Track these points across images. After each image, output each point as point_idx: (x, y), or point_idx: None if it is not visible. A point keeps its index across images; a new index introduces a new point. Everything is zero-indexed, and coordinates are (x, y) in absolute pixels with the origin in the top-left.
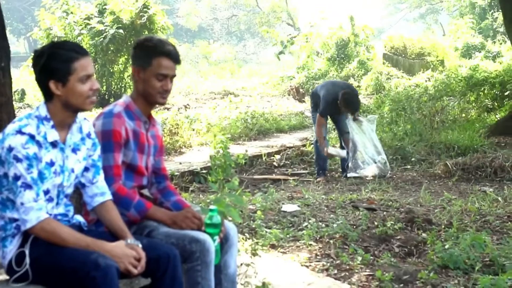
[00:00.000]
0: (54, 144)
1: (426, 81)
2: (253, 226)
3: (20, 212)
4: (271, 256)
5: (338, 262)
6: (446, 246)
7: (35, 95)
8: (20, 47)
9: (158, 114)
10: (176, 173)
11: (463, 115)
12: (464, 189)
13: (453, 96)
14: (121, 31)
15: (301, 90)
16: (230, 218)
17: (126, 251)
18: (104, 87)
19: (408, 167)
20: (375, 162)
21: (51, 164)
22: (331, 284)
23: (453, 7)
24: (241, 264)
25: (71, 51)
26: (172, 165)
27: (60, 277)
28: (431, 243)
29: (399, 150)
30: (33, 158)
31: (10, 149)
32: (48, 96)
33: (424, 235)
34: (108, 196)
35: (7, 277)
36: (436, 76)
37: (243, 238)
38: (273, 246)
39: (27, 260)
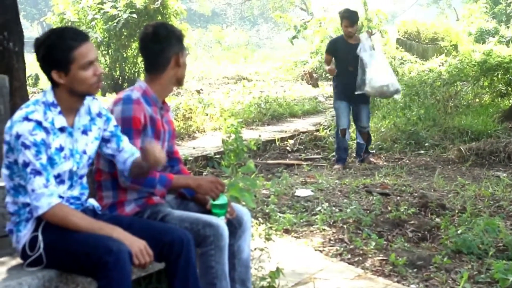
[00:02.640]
0: (62, 129)
1: (439, 66)
2: (267, 211)
3: (32, 199)
4: (285, 241)
5: (351, 247)
6: (460, 231)
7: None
8: (33, 32)
9: (171, 99)
10: (189, 158)
11: (477, 100)
12: (478, 174)
13: (466, 81)
14: (134, 15)
15: (314, 75)
16: (243, 203)
17: (137, 241)
18: (118, 72)
19: (422, 152)
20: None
21: (60, 149)
22: (344, 269)
23: None
24: (255, 249)
25: (70, 39)
26: (185, 150)
27: (73, 262)
28: (444, 228)
29: (412, 135)
30: (41, 144)
31: (18, 136)
32: (53, 83)
33: (437, 220)
34: (138, 153)
35: (21, 261)
36: (449, 61)
37: (256, 223)
38: (286, 231)
39: (41, 244)
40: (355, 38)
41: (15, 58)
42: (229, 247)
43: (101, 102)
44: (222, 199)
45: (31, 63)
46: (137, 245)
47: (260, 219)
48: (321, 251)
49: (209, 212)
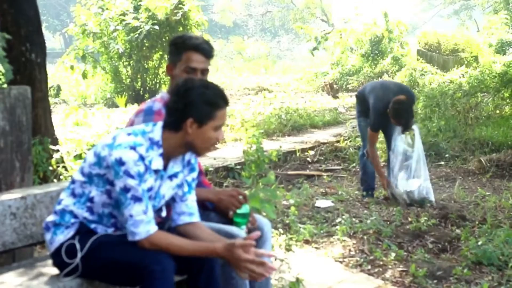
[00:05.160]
0: (156, 172)
1: (460, 77)
2: (287, 221)
3: (129, 224)
4: (305, 252)
5: (371, 257)
6: (480, 243)
7: (70, 91)
8: (55, 43)
9: None
10: (210, 169)
11: (497, 111)
12: (498, 186)
13: (487, 93)
14: (156, 27)
15: (335, 86)
16: (264, 214)
17: (240, 255)
18: (139, 83)
19: (442, 163)
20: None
21: (149, 189)
22: (364, 280)
23: (487, 3)
24: (275, 260)
25: (220, 97)
26: (206, 160)
27: (113, 271)
28: (465, 239)
29: (433, 146)
30: (143, 175)
31: (122, 163)
32: (175, 127)
33: (458, 231)
34: (196, 218)
35: (54, 269)
36: (470, 72)
37: (277, 234)
38: (307, 242)
39: (79, 254)
40: None
41: (37, 69)
42: None
43: (192, 153)
44: (245, 209)
45: (53, 74)
46: (241, 265)
47: (280, 229)
48: (341, 262)
49: (230, 222)
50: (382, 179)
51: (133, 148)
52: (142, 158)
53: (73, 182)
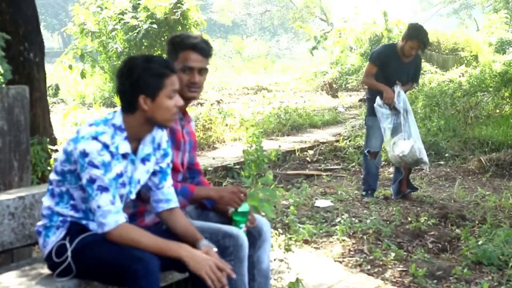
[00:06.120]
0: (125, 156)
1: (460, 76)
2: (286, 221)
3: (97, 215)
4: (304, 252)
5: (371, 257)
6: (480, 242)
7: (69, 91)
8: (54, 42)
9: (191, 109)
10: (209, 168)
11: (497, 110)
12: (498, 185)
13: (487, 92)
14: (154, 26)
15: (334, 85)
16: (263, 213)
17: (205, 258)
18: None
19: (442, 162)
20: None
21: (120, 175)
22: (364, 280)
23: (487, 2)
24: (274, 260)
25: (163, 67)
26: (205, 160)
27: (101, 271)
28: (464, 239)
29: (432, 146)
30: (108, 165)
31: (85, 154)
32: (131, 109)
33: (457, 231)
34: (174, 204)
35: (50, 271)
36: (470, 72)
37: (276, 234)
38: (306, 242)
39: (69, 252)
40: (410, 57)
41: (36, 69)
42: (249, 257)
43: (164, 134)
44: (244, 207)
45: (51, 74)
46: (209, 261)
47: (279, 229)
48: (340, 262)
49: (229, 222)
50: (385, 90)
51: (95, 138)
52: (106, 146)
53: (50, 183)
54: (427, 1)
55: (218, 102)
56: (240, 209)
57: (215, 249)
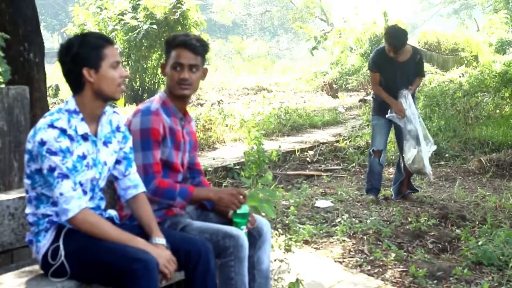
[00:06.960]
0: (85, 137)
1: (460, 76)
2: (287, 222)
3: (61, 203)
4: (305, 252)
5: (371, 258)
6: (480, 243)
7: (68, 91)
8: (54, 43)
9: (191, 110)
10: (209, 169)
11: (498, 111)
12: (498, 186)
13: (487, 92)
14: (154, 26)
15: (334, 85)
16: (263, 214)
17: (163, 252)
18: (138, 83)
19: (442, 163)
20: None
21: (83, 157)
22: (364, 280)
23: (487, 2)
24: (275, 260)
25: (99, 38)
26: (205, 160)
27: (98, 272)
28: (465, 240)
29: None
30: (66, 151)
31: (43, 143)
32: (79, 86)
33: (458, 231)
34: (141, 189)
35: (42, 272)
36: (470, 72)
37: (276, 234)
38: (306, 242)
39: (62, 253)
40: (403, 56)
41: (36, 69)
42: (249, 258)
43: (121, 117)
44: (244, 209)
45: (51, 74)
46: (163, 256)
47: (279, 230)
48: (340, 262)
49: (229, 222)
50: (394, 104)
51: (50, 125)
52: (63, 131)
53: (26, 190)
54: (427, 1)
55: (218, 103)
56: (239, 211)
57: (166, 245)
